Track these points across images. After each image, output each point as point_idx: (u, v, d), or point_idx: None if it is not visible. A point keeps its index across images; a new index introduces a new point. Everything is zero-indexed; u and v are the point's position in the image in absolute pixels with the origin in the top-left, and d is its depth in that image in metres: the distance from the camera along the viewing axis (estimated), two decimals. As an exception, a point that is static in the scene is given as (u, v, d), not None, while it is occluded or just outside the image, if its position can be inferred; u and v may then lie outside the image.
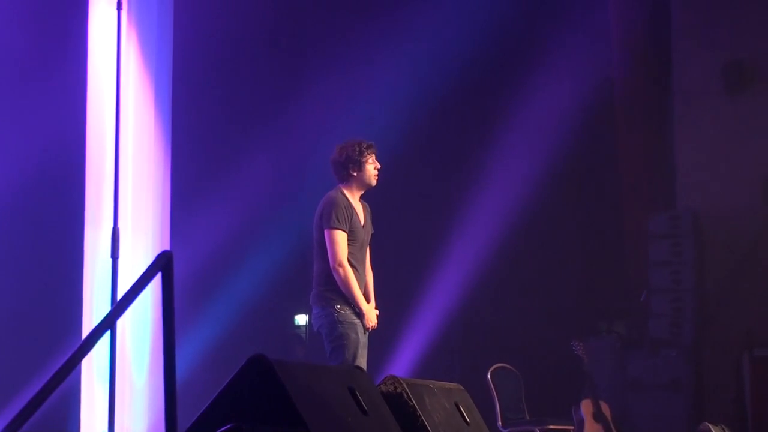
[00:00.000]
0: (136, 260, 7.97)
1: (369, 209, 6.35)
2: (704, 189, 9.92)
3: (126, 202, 8.20)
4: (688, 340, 9.59)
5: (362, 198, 6.31)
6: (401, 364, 9.98)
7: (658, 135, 10.66)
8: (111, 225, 5.70)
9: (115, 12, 5.87)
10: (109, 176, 5.83)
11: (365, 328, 6.07)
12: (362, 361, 5.96)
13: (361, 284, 6.09)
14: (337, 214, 6.03)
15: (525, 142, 10.64)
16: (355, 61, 10.77)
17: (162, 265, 3.12)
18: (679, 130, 10.21)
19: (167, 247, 8.73)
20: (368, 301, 6.15)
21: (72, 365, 2.97)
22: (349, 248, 6.05)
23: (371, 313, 6.10)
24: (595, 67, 10.68)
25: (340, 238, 6.02)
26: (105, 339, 5.32)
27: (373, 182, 6.23)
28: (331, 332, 6.01)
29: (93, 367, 7.76)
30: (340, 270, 6.00)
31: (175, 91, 9.10)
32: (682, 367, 9.49)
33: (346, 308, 6.02)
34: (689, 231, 9.79)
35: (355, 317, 6.02)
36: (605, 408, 8.38)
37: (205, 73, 10.08)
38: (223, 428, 3.20)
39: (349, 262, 6.04)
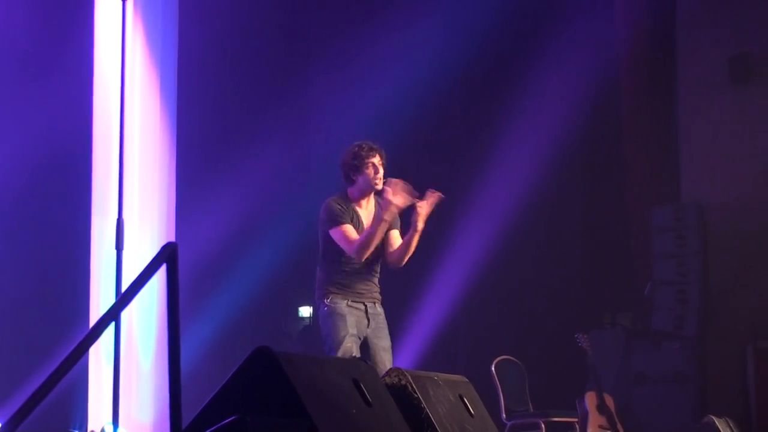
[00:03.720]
0: (142, 251, 7.99)
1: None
2: (709, 181, 9.91)
3: (132, 194, 8.23)
4: (693, 332, 9.58)
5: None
6: (405, 357, 9.99)
7: (663, 127, 10.64)
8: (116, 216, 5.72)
9: (120, 3, 5.87)
10: (115, 167, 5.84)
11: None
12: (355, 353, 5.84)
13: (364, 288, 6.01)
14: (331, 213, 5.95)
15: (528, 134, 10.62)
16: (362, 53, 10.77)
17: (167, 256, 3.13)
18: (684, 122, 10.19)
19: (173, 239, 8.76)
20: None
21: (77, 356, 2.98)
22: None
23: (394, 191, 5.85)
24: (600, 60, 10.65)
25: (343, 231, 5.91)
26: (111, 329, 5.34)
27: (375, 186, 6.03)
28: (323, 326, 5.97)
29: (101, 357, 7.79)
30: (359, 251, 5.88)
31: (180, 82, 9.11)
32: (687, 360, 9.49)
33: (337, 300, 5.94)
34: (694, 223, 9.78)
35: (345, 309, 5.92)
36: (609, 400, 8.38)
37: (211, 64, 10.08)
38: (228, 420, 3.21)
39: (346, 267, 5.96)
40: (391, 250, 6.06)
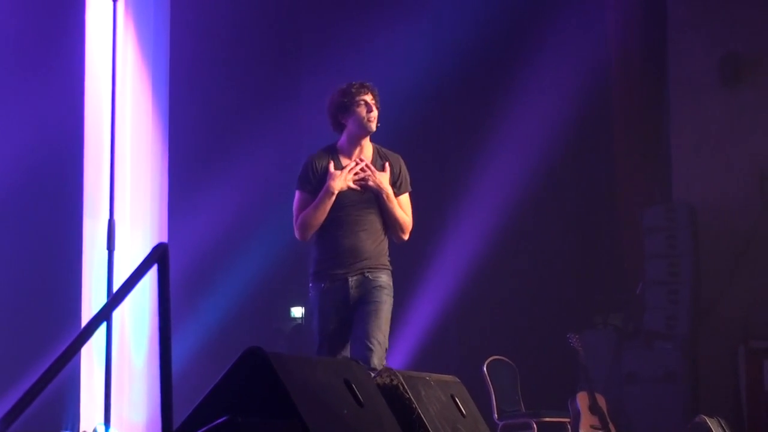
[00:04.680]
0: (133, 252, 7.99)
1: (394, 160, 5.45)
2: (700, 181, 9.94)
3: (123, 194, 8.22)
4: (684, 332, 9.60)
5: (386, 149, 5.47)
6: (397, 357, 9.99)
7: (654, 127, 10.67)
8: (107, 217, 5.72)
9: (111, 3, 5.87)
10: (106, 168, 5.83)
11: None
12: (334, 342, 5.36)
13: (349, 256, 5.31)
14: (300, 174, 5.37)
15: (520, 134, 10.64)
16: (354, 52, 10.76)
17: (158, 257, 3.13)
18: (675, 123, 10.22)
19: (165, 239, 8.75)
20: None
21: (69, 356, 2.98)
22: (331, 210, 5.27)
23: (336, 175, 5.24)
24: (592, 60, 10.67)
25: (297, 199, 5.35)
26: (103, 330, 5.34)
27: (369, 127, 5.28)
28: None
29: (93, 357, 7.78)
30: (298, 229, 5.31)
31: (172, 82, 9.10)
32: (678, 360, 9.51)
33: (317, 281, 5.35)
34: (685, 223, 9.80)
35: (323, 293, 5.32)
36: (601, 400, 8.40)
37: (203, 64, 10.07)
38: (219, 420, 3.21)
39: (336, 232, 5.30)
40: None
